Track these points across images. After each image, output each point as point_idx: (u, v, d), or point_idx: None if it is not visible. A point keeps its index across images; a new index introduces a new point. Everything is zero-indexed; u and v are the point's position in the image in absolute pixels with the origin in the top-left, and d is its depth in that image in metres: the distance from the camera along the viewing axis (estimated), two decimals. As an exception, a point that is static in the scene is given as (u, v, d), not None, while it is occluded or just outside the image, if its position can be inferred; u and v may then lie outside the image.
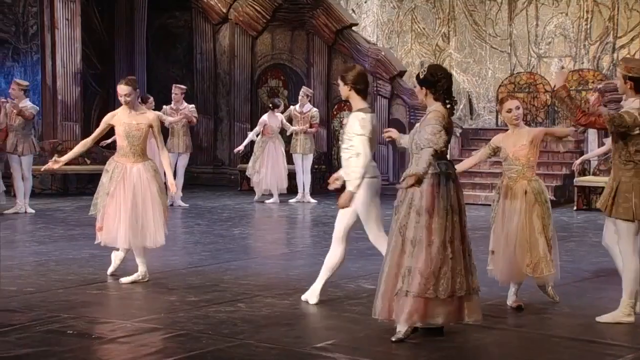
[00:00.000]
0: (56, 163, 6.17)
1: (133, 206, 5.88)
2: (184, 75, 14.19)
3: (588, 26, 12.77)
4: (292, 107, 11.87)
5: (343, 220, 5.41)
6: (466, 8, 13.60)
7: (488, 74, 13.55)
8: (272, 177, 11.37)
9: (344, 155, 5.25)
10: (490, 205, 5.62)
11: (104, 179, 6.04)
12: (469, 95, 13.67)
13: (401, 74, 13.12)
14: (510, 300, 5.38)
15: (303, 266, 6.96)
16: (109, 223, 5.95)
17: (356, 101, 5.23)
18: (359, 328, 4.84)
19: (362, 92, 5.19)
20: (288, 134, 11.66)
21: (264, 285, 5.89)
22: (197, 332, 4.73)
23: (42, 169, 6.35)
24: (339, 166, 13.87)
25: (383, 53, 13.16)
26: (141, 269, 6.06)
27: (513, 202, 5.31)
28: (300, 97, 11.69)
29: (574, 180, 11.04)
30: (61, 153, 12.38)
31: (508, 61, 13.39)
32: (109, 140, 10.59)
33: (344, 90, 5.24)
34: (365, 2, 14.40)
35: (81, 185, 12.79)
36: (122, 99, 6.09)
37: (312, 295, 5.44)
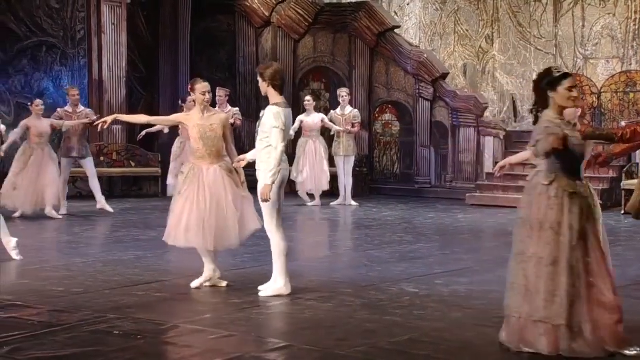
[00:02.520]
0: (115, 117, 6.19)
1: (209, 208, 5.80)
2: (226, 78, 14.32)
3: (636, 27, 12.53)
4: (332, 111, 11.82)
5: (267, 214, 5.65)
6: (510, 9, 13.47)
7: (533, 75, 13.38)
8: (312, 178, 11.34)
9: (259, 146, 5.65)
10: None
11: (179, 180, 6.03)
12: (512, 98, 13.52)
13: (444, 76, 13.06)
14: None
15: (344, 269, 6.97)
16: (173, 221, 5.88)
17: (273, 96, 5.65)
18: (401, 331, 4.82)
19: (279, 88, 5.64)
20: (332, 133, 11.59)
21: (305, 287, 5.91)
22: (240, 334, 4.77)
23: (100, 121, 6.12)
24: (380, 168, 13.77)
25: (425, 55, 13.11)
26: (207, 270, 5.97)
27: None
28: (341, 99, 11.65)
29: (622, 183, 10.86)
30: (106, 155, 12.64)
31: (553, 63, 13.21)
32: (143, 134, 10.84)
33: (263, 86, 5.67)
34: (408, 5, 14.36)
35: (126, 187, 12.99)
36: (205, 97, 5.99)
37: (268, 288, 5.67)
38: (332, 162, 11.71)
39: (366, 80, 13.49)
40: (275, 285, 5.70)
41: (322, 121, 11.44)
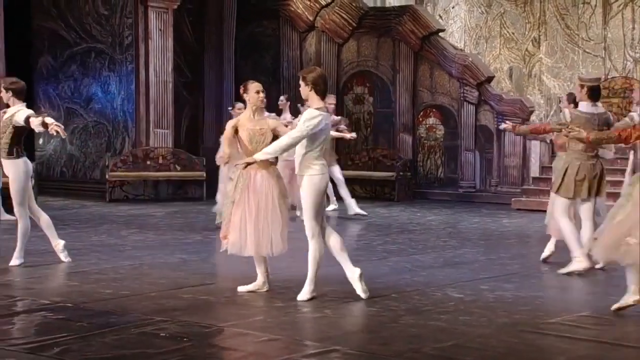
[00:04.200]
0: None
1: (257, 214, 5.81)
2: (270, 83, 14.39)
3: (687, 28, 12.27)
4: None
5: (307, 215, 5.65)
6: (558, 12, 13.29)
7: (580, 78, 13.20)
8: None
9: (298, 151, 5.65)
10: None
11: (228, 187, 6.02)
12: (559, 101, 13.34)
13: (489, 79, 12.94)
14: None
15: (388, 273, 6.94)
16: (235, 233, 5.86)
17: (314, 101, 5.66)
18: (446, 337, 4.79)
19: (321, 93, 5.65)
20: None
21: (350, 291, 5.90)
22: (284, 338, 4.78)
23: None
24: (424, 173, 13.62)
25: (470, 59, 13.01)
26: (259, 278, 5.99)
27: None
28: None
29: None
30: (153, 160, 12.81)
31: (602, 65, 13.00)
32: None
33: (305, 90, 5.66)
34: (453, 8, 14.27)
35: (172, 191, 13.14)
36: (259, 96, 5.98)
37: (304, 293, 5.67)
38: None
39: (410, 84, 13.44)
40: (303, 290, 5.71)
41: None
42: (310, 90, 5.66)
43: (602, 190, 6.73)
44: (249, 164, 5.70)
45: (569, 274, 6.69)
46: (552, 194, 7.00)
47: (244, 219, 5.83)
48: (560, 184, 6.67)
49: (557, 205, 6.75)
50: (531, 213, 11.20)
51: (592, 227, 6.59)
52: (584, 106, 6.75)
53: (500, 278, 6.68)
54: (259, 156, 5.66)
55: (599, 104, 6.84)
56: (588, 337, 4.83)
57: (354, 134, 11.16)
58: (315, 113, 5.59)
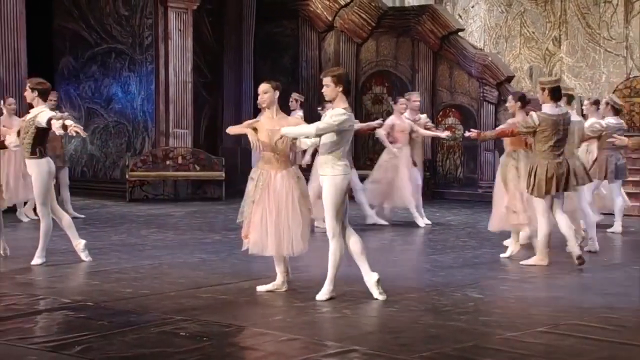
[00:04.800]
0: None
1: (278, 214, 5.81)
2: (289, 83, 14.41)
3: None
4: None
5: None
6: (579, 11, 13.20)
7: (602, 78, 13.09)
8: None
9: (321, 150, 5.71)
10: None
11: (249, 186, 5.98)
12: (580, 101, 13.23)
13: (509, 79, 12.87)
14: None
15: (407, 273, 6.93)
16: (255, 233, 5.87)
17: (341, 101, 5.67)
18: (466, 337, 4.77)
19: (347, 93, 5.71)
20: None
21: (369, 291, 5.89)
22: (304, 337, 4.78)
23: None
24: (443, 173, 13.67)
25: (490, 58, 12.94)
26: (278, 278, 6.00)
27: None
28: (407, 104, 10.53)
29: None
30: (173, 160, 12.87)
31: (624, 65, 12.89)
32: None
33: (334, 91, 5.65)
34: (473, 7, 14.21)
35: (191, 191, 13.19)
36: (260, 97, 5.96)
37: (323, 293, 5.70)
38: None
39: (429, 83, 13.40)
40: (322, 289, 5.72)
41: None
42: (340, 90, 5.65)
43: (570, 186, 7.14)
44: (254, 129, 5.84)
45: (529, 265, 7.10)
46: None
47: (265, 219, 5.83)
48: (533, 186, 7.03)
49: (537, 206, 7.12)
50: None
51: (566, 221, 7.16)
52: (549, 108, 7.07)
53: (520, 278, 6.64)
54: (284, 130, 5.72)
55: (561, 103, 7.23)
56: (609, 338, 4.78)
57: (448, 133, 10.85)
58: (342, 111, 5.62)
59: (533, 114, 7.15)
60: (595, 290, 6.32)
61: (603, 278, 6.68)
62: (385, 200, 9.98)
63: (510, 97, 8.04)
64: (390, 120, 9.99)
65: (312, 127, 5.69)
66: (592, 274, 6.89)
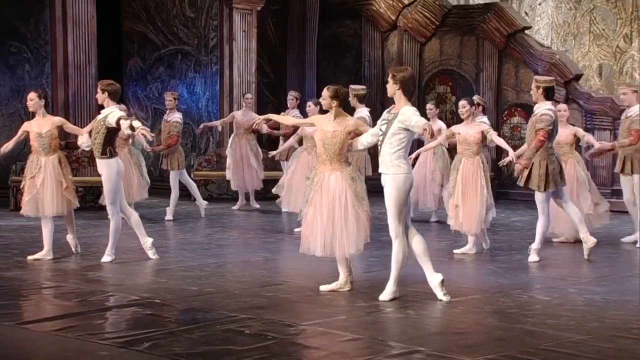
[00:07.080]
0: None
1: (329, 215, 5.82)
2: (352, 83, 14.40)
3: None
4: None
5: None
6: (651, 6, 12.82)
7: (674, 75, 12.68)
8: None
9: (383, 150, 5.66)
10: None
11: (306, 187, 6.10)
12: (652, 98, 12.85)
13: (577, 77, 12.58)
14: None
15: (472, 274, 6.84)
16: (307, 232, 5.93)
17: (402, 100, 5.61)
18: (533, 341, 4.68)
19: (409, 94, 5.63)
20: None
21: (432, 292, 5.84)
22: (367, 338, 4.78)
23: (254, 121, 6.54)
24: (508, 173, 13.43)
25: (557, 56, 12.68)
26: (341, 277, 6.01)
27: None
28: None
29: None
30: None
31: (697, 61, 12.46)
32: (202, 127, 11.63)
33: (393, 88, 5.61)
34: (540, 5, 13.94)
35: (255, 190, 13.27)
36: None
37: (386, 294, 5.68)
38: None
39: (494, 82, 13.20)
40: (385, 290, 5.69)
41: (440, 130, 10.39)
42: (398, 89, 5.61)
43: (564, 180, 7.45)
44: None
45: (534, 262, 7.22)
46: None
47: (316, 219, 5.86)
48: (546, 182, 7.26)
49: (538, 200, 7.42)
50: (622, 214, 10.82)
51: (575, 210, 7.54)
52: (550, 106, 7.25)
53: (590, 281, 6.49)
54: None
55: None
56: None
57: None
58: (414, 108, 5.58)
59: (548, 111, 7.26)
60: None
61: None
62: None
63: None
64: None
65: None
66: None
